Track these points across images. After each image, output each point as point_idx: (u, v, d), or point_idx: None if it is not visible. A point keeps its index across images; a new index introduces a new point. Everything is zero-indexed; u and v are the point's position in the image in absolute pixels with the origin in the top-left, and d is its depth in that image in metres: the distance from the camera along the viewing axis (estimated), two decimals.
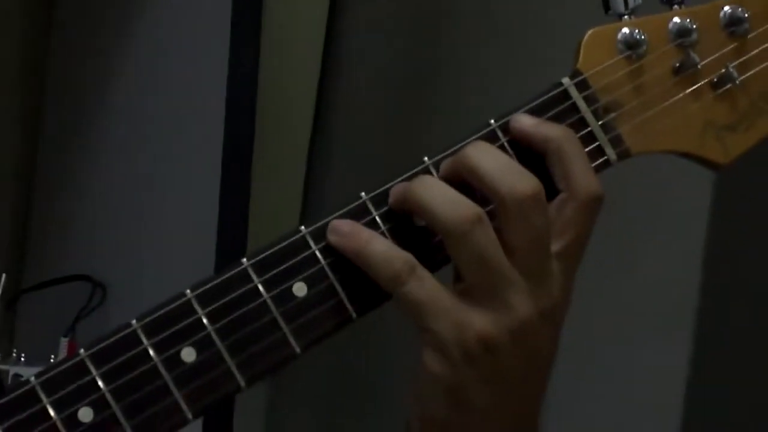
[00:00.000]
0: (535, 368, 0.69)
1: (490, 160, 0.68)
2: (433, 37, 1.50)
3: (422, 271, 0.68)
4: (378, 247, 0.68)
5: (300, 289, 0.69)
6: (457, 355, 0.67)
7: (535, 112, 0.73)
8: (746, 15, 0.76)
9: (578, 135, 0.73)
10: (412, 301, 0.67)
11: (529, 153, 0.71)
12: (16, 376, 1.52)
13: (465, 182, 0.69)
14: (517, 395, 0.69)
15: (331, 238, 0.69)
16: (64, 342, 1.66)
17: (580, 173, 0.70)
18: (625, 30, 0.75)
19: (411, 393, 0.69)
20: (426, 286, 0.67)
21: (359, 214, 0.70)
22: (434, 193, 0.68)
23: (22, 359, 1.59)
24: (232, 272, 0.68)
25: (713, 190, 1.23)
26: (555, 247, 0.69)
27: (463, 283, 0.68)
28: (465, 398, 0.67)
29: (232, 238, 1.42)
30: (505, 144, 0.72)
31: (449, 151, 0.71)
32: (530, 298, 0.67)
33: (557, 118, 0.73)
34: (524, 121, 0.72)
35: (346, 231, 0.69)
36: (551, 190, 0.70)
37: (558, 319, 0.69)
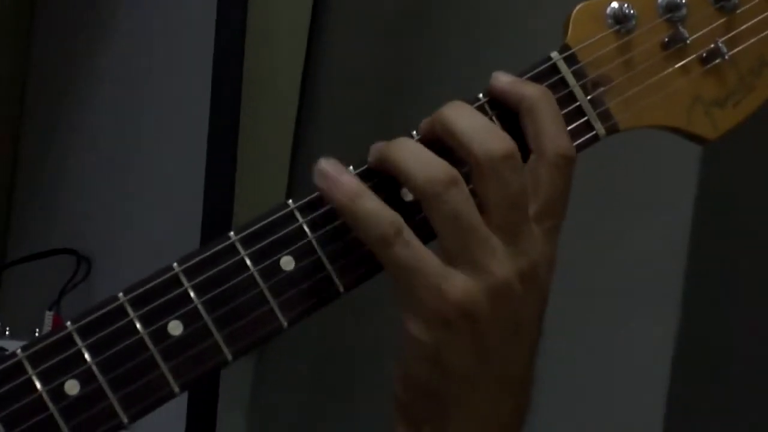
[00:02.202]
0: (518, 334, 0.69)
1: (465, 120, 0.68)
2: (421, 23, 1.49)
3: (408, 234, 0.67)
4: (367, 204, 0.68)
5: (287, 262, 0.68)
6: (436, 319, 0.67)
7: None
8: None
9: (567, 110, 0.73)
10: (396, 263, 0.67)
11: (510, 116, 0.71)
12: (1, 349, 1.52)
13: (442, 144, 0.68)
14: (500, 358, 0.68)
15: (318, 181, 0.68)
16: (49, 316, 1.66)
17: (550, 132, 0.69)
18: (614, 4, 0.75)
19: (397, 361, 0.69)
20: (410, 249, 0.67)
21: None
22: (410, 155, 0.68)
23: (7, 333, 1.59)
24: (220, 246, 0.68)
25: (700, 164, 1.23)
26: (531, 208, 0.69)
27: (441, 246, 0.67)
28: (446, 362, 0.67)
29: (218, 212, 1.42)
30: (494, 119, 0.71)
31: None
32: (507, 259, 0.67)
33: None
34: (502, 79, 0.72)
35: (332, 175, 0.68)
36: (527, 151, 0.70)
37: (541, 283, 0.69)
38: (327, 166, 0.68)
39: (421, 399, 0.69)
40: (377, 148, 0.69)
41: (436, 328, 0.67)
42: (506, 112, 0.71)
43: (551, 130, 0.70)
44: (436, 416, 0.69)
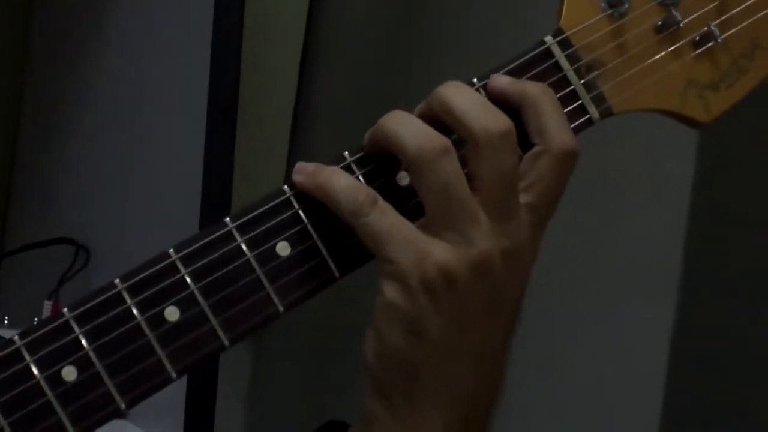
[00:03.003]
0: (496, 311, 0.69)
1: (464, 97, 0.69)
2: (419, 15, 1.49)
3: (383, 204, 0.68)
4: (341, 180, 0.69)
5: (283, 248, 0.69)
6: (415, 284, 0.67)
7: (518, 70, 0.73)
8: None
9: (561, 94, 0.73)
10: (373, 231, 0.67)
11: (512, 112, 0.71)
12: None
13: (440, 122, 0.69)
14: (476, 333, 0.68)
15: (296, 178, 0.70)
16: (47, 305, 1.66)
17: (555, 127, 0.70)
18: None
19: (370, 329, 0.69)
20: (387, 217, 0.68)
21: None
22: (403, 124, 0.69)
23: (6, 322, 1.59)
24: (216, 232, 0.68)
25: (697, 155, 1.23)
26: (526, 198, 0.69)
27: (426, 216, 0.68)
28: (422, 329, 0.67)
29: (216, 202, 1.42)
30: (481, 90, 0.72)
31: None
32: (492, 235, 0.67)
33: (540, 77, 0.73)
34: (501, 80, 0.72)
35: (310, 171, 0.70)
36: (527, 148, 0.70)
37: (522, 270, 0.69)
38: (302, 164, 0.70)
39: (393, 367, 0.69)
40: (371, 129, 0.70)
41: (414, 292, 0.67)
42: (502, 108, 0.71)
43: (555, 124, 0.70)
44: (407, 385, 0.68)
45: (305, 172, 0.70)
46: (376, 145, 0.70)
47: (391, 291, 0.67)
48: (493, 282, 0.68)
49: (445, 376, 0.68)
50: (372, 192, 0.68)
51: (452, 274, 0.67)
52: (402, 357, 0.68)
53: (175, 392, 0.71)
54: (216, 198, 1.43)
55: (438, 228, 0.67)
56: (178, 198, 1.60)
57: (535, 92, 0.71)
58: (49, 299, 1.67)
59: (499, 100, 0.71)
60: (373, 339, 0.69)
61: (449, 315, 0.67)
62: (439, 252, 0.67)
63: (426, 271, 0.67)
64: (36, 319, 1.58)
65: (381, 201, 0.68)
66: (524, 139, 0.70)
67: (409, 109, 0.71)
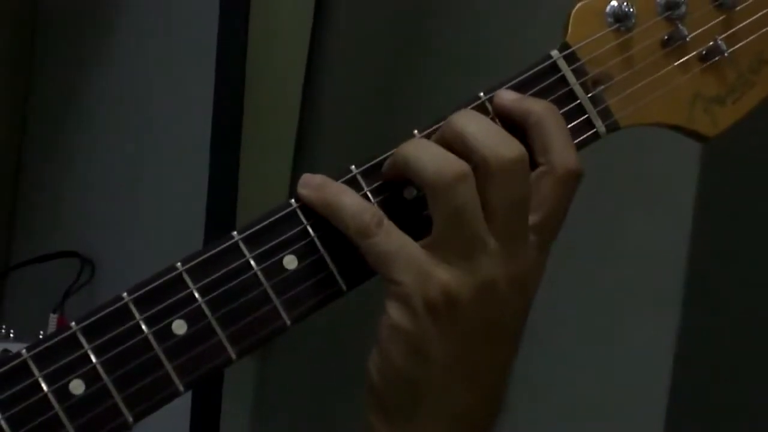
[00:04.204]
0: (499, 333, 0.69)
1: (476, 125, 0.69)
2: (421, 15, 1.50)
3: (389, 224, 0.68)
4: (347, 199, 0.69)
5: (290, 261, 0.69)
6: (419, 305, 0.67)
7: (525, 84, 0.73)
8: None
9: (567, 108, 0.73)
10: (379, 252, 0.68)
11: (516, 129, 0.71)
12: (5, 351, 1.52)
13: (453, 150, 0.69)
14: (479, 355, 0.69)
15: (302, 191, 0.70)
16: (53, 318, 1.66)
17: (559, 147, 0.70)
18: (614, 2, 0.75)
19: (374, 349, 0.70)
20: (393, 238, 0.68)
21: (349, 186, 0.70)
22: (422, 150, 0.69)
23: (11, 335, 1.59)
24: (223, 245, 0.69)
25: (701, 162, 1.23)
26: (531, 219, 0.69)
27: (433, 237, 0.68)
28: (425, 350, 0.68)
29: (221, 214, 1.42)
30: (496, 119, 0.72)
31: (440, 124, 0.71)
32: (501, 261, 0.68)
33: (546, 91, 0.73)
34: (506, 97, 0.72)
35: (316, 184, 0.70)
36: (532, 166, 0.70)
37: (527, 291, 0.70)
38: (308, 177, 0.70)
39: (397, 386, 0.69)
40: (390, 159, 0.70)
41: (418, 314, 0.67)
42: (511, 126, 0.71)
43: (560, 144, 0.70)
44: (409, 404, 0.69)
45: (311, 185, 0.70)
46: (394, 170, 0.70)
47: (395, 311, 0.68)
48: (496, 305, 0.68)
49: (447, 394, 0.69)
50: (378, 212, 0.69)
51: (456, 296, 0.67)
52: (405, 376, 0.69)
53: (180, 405, 0.71)
54: (221, 210, 1.43)
55: (446, 250, 0.68)
56: (182, 211, 1.59)
57: (540, 110, 0.71)
58: (54, 312, 1.66)
59: (504, 117, 0.71)
60: (376, 357, 0.70)
61: (452, 336, 0.68)
62: (444, 274, 0.67)
63: (430, 291, 0.67)
64: (42, 332, 1.58)
65: (387, 222, 0.68)
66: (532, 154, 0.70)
67: (415, 123, 0.72)
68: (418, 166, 0.68)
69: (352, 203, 0.69)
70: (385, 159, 0.71)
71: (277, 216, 0.69)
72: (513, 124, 0.71)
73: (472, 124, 0.69)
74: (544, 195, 0.70)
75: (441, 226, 0.68)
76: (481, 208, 0.68)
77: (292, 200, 0.70)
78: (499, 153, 0.68)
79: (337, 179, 0.71)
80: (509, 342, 0.71)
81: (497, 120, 0.72)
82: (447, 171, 0.67)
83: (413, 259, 0.68)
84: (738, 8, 0.76)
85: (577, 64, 0.74)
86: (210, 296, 0.68)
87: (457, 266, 0.67)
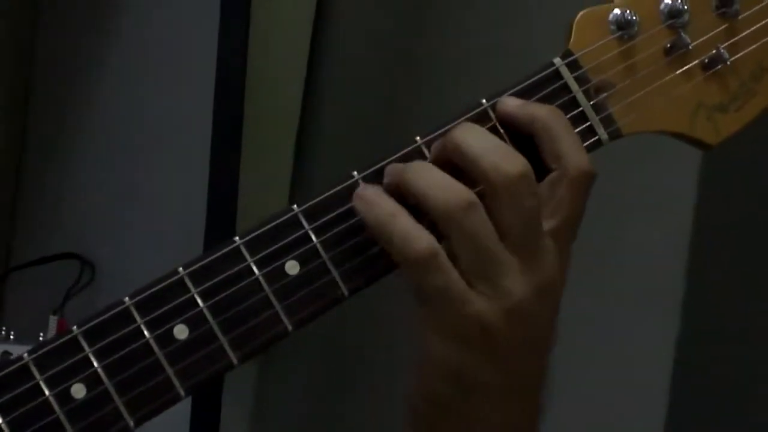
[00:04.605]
0: (534, 347, 0.70)
1: (478, 142, 0.69)
2: (422, 20, 1.50)
3: (443, 259, 0.67)
4: (403, 223, 0.68)
5: (292, 267, 0.69)
6: (456, 338, 0.67)
7: (527, 91, 0.73)
8: None
9: (569, 115, 0.73)
10: (428, 288, 0.67)
11: (520, 134, 0.71)
12: (6, 353, 1.52)
13: (454, 165, 0.69)
14: (519, 374, 0.69)
15: (357, 203, 0.69)
16: (53, 320, 1.66)
17: (570, 150, 0.70)
18: (617, 10, 0.75)
19: (415, 374, 0.70)
20: (444, 275, 0.67)
21: (351, 192, 0.70)
22: (427, 180, 0.68)
23: (11, 337, 1.59)
24: (225, 250, 0.69)
25: (700, 169, 1.23)
26: (549, 225, 0.69)
27: (461, 266, 0.68)
28: (467, 379, 0.68)
29: (221, 217, 1.42)
30: (497, 125, 0.72)
31: (441, 131, 0.71)
32: (524, 277, 0.68)
33: (549, 98, 0.73)
34: (510, 103, 0.72)
35: (370, 198, 0.69)
36: (542, 170, 0.70)
37: (555, 298, 0.70)
38: (365, 189, 0.69)
39: (440, 415, 0.70)
40: (394, 171, 0.70)
41: (457, 347, 0.67)
42: (515, 132, 0.72)
43: (570, 147, 0.70)
44: (448, 426, 0.70)
45: (366, 198, 0.69)
46: (397, 191, 0.70)
47: (432, 343, 0.68)
48: (529, 321, 0.68)
49: (491, 418, 0.70)
50: (433, 243, 0.67)
51: (490, 325, 0.67)
52: (448, 405, 0.69)
53: (180, 409, 0.71)
54: (221, 213, 1.43)
55: (474, 279, 0.68)
56: (183, 214, 1.60)
57: (547, 116, 0.71)
58: (54, 315, 1.67)
59: (509, 124, 0.71)
60: (420, 386, 0.70)
61: (491, 362, 0.68)
62: (476, 304, 0.67)
63: (465, 325, 0.67)
64: (42, 334, 1.58)
65: (441, 255, 0.67)
66: (535, 159, 0.70)
67: (415, 125, 0.71)
68: (426, 198, 0.68)
69: (407, 227, 0.68)
70: (387, 164, 0.71)
71: (279, 221, 0.69)
72: (518, 130, 0.71)
73: (473, 142, 0.68)
74: (559, 199, 0.70)
75: (462, 255, 0.68)
76: (495, 228, 0.68)
77: (294, 206, 0.70)
78: (503, 171, 0.67)
79: (339, 184, 0.70)
80: (544, 352, 0.71)
81: (500, 127, 0.72)
82: (453, 204, 0.67)
83: (456, 297, 0.67)
84: (741, 17, 0.76)
85: (580, 71, 0.74)
86: (211, 301, 0.68)
87: (485, 294, 0.67)
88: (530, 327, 0.68)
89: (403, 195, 0.69)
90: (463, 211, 0.67)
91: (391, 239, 0.68)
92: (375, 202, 0.69)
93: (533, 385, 0.71)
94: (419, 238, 0.67)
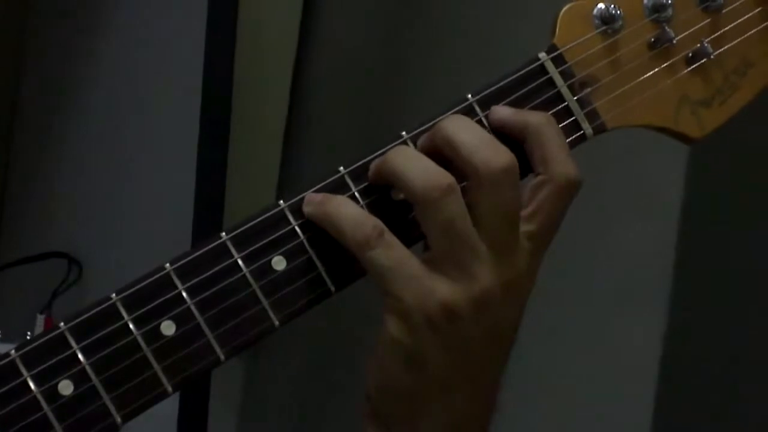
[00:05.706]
0: (496, 340, 0.70)
1: (466, 133, 0.69)
2: (410, 18, 1.50)
3: (390, 237, 0.68)
4: (348, 210, 0.69)
5: (279, 262, 0.69)
6: (418, 321, 0.67)
7: (513, 86, 0.73)
8: None
9: (554, 110, 0.73)
10: (378, 266, 0.68)
11: (510, 139, 0.72)
12: None
13: (442, 156, 0.69)
14: (477, 365, 0.69)
15: (306, 209, 0.70)
16: (40, 319, 1.65)
17: (558, 157, 0.70)
18: (601, 5, 0.75)
19: (372, 362, 0.70)
20: (393, 252, 0.68)
21: (337, 188, 0.70)
22: (409, 162, 0.69)
23: None
24: (211, 246, 0.69)
25: (687, 163, 1.23)
26: (527, 227, 0.70)
27: (430, 252, 0.68)
28: (424, 365, 0.68)
29: (209, 215, 1.42)
30: (483, 119, 0.72)
31: (427, 125, 0.71)
32: (495, 269, 0.68)
33: (534, 93, 0.73)
34: (503, 111, 0.72)
35: (318, 200, 0.70)
36: (526, 173, 0.71)
37: (521, 297, 0.70)
38: (310, 196, 0.70)
39: (395, 400, 0.70)
40: (375, 162, 0.70)
41: (417, 329, 0.67)
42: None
43: (559, 155, 0.71)
44: (408, 415, 0.70)
45: (313, 202, 0.70)
46: (381, 178, 0.70)
47: (393, 326, 0.68)
48: (493, 313, 0.68)
49: (446, 404, 0.69)
50: (379, 224, 0.68)
51: (455, 310, 0.67)
52: (404, 388, 0.69)
53: (168, 406, 0.71)
54: (209, 210, 1.43)
55: (441, 263, 0.68)
56: (170, 212, 1.59)
57: (539, 122, 0.71)
58: (42, 313, 1.66)
59: (501, 131, 0.72)
60: (375, 370, 0.70)
61: (451, 349, 0.68)
62: (443, 289, 0.67)
63: (429, 307, 0.67)
64: (29, 333, 1.58)
65: (387, 234, 0.68)
66: (523, 163, 0.70)
67: (402, 123, 0.72)
68: (405, 179, 0.68)
69: (352, 214, 0.69)
70: (373, 159, 0.71)
71: (265, 216, 0.70)
72: (510, 136, 0.71)
73: (462, 132, 0.69)
74: (541, 203, 0.70)
75: (434, 239, 0.68)
76: (472, 218, 0.68)
77: (281, 201, 0.70)
78: (490, 162, 0.68)
79: (325, 180, 0.71)
80: (504, 348, 0.71)
81: (486, 123, 0.72)
82: (433, 186, 0.67)
83: (413, 273, 0.68)
84: (724, 11, 0.77)
85: (565, 66, 0.74)
86: (198, 297, 0.68)
87: (453, 279, 0.68)
88: (492, 319, 0.68)
89: (386, 182, 0.70)
90: (441, 193, 0.67)
91: (339, 228, 0.69)
92: (321, 201, 0.70)
93: (489, 380, 0.71)
94: (364, 221, 0.68)
